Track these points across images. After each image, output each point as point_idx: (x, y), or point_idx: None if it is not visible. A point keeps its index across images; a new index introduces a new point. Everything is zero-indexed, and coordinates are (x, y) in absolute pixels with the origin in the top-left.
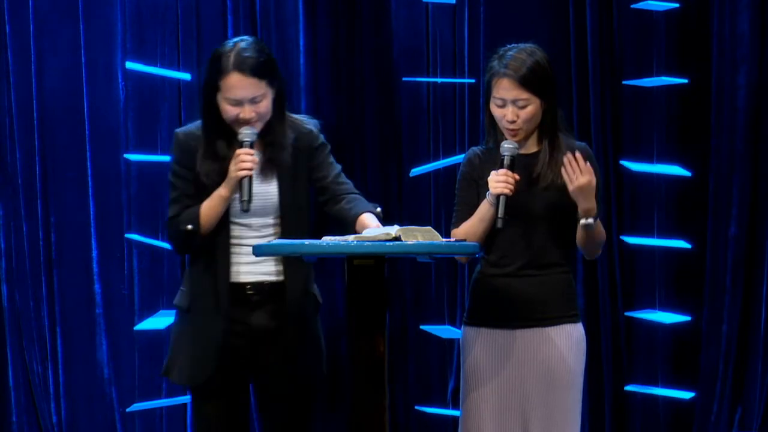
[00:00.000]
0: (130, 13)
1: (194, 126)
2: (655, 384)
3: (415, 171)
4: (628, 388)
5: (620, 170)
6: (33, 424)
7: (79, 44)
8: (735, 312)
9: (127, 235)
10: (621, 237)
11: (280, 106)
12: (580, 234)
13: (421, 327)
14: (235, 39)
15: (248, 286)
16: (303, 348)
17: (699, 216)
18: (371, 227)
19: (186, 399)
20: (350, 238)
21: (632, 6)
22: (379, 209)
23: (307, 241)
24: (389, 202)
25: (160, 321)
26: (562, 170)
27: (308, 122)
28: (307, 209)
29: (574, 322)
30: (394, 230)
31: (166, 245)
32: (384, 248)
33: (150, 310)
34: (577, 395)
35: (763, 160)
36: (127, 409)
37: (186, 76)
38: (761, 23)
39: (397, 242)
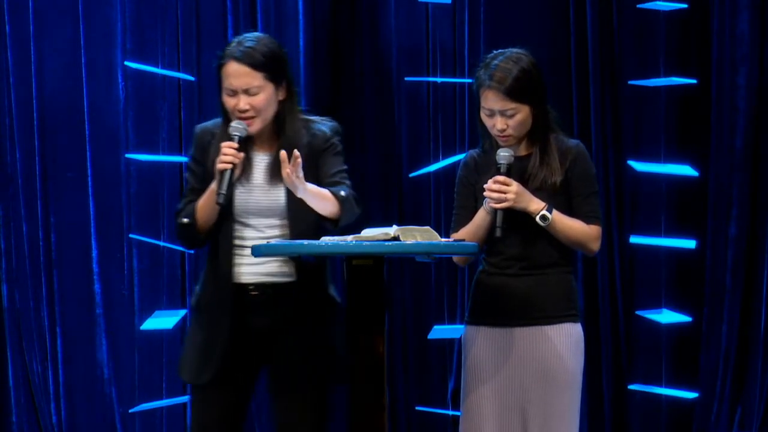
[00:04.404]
0: (130, 13)
1: (212, 122)
2: (655, 384)
3: (415, 173)
4: (628, 387)
5: (621, 170)
6: (33, 424)
7: (79, 44)
8: (735, 312)
9: (127, 235)
10: (622, 237)
11: (291, 105)
12: (555, 235)
13: (428, 337)
14: (248, 34)
15: (251, 287)
16: (311, 348)
17: (699, 216)
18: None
19: (186, 399)
20: (349, 238)
21: (637, 6)
22: (343, 192)
23: (305, 242)
24: (389, 202)
25: (163, 321)
26: (489, 199)
27: (324, 124)
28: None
29: (574, 321)
30: (392, 230)
31: (166, 245)
32: (383, 248)
33: (150, 310)
34: (575, 394)
35: (763, 160)
36: (129, 410)
37: (186, 76)
38: (761, 23)
39: (395, 242)
